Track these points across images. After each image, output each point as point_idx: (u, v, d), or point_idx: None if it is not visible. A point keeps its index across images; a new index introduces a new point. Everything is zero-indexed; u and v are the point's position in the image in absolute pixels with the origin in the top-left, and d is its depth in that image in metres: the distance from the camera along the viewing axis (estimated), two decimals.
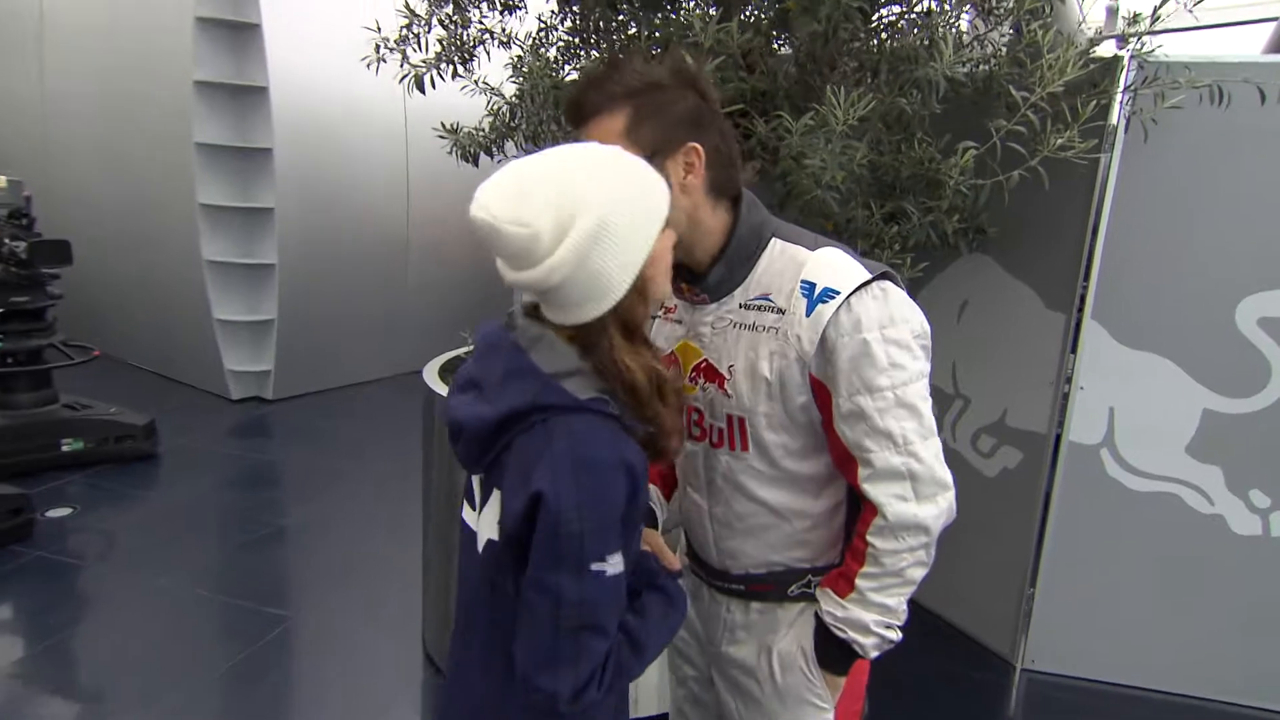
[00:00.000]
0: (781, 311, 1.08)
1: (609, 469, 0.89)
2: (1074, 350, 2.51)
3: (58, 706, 2.50)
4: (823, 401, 1.09)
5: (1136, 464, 2.56)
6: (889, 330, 1.05)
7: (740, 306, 1.12)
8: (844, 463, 1.11)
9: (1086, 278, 2.45)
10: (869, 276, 1.06)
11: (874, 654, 1.15)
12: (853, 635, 1.12)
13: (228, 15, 4.76)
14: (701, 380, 1.16)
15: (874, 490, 1.07)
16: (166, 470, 4.20)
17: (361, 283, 5.54)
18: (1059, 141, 1.80)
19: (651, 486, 1.30)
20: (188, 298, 5.15)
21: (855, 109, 1.59)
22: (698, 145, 1.05)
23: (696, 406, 1.18)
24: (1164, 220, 2.40)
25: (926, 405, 1.08)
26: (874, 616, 1.11)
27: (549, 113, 2.51)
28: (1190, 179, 2.36)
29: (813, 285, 1.07)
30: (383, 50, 2.40)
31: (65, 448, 3.97)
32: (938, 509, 1.08)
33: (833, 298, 1.05)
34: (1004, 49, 2.08)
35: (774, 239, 1.13)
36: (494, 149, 2.49)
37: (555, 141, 2.79)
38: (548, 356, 0.93)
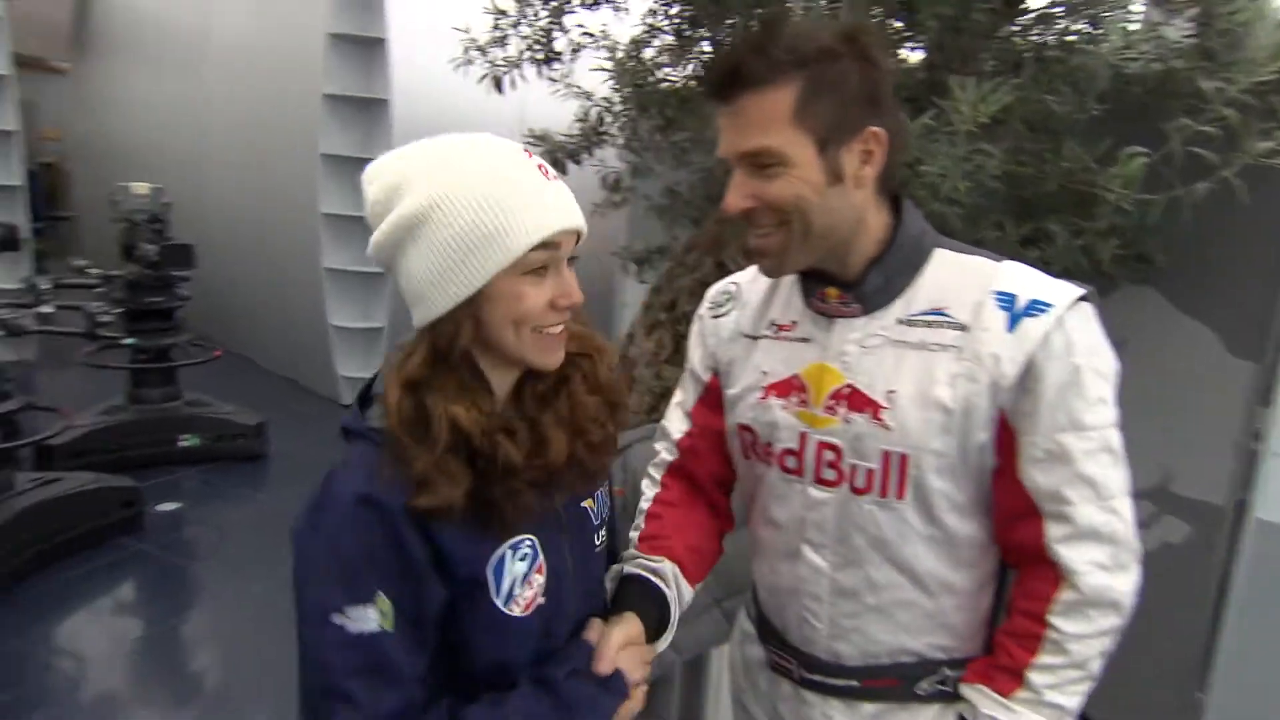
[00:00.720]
0: (964, 328, 0.88)
1: (346, 506, 0.76)
2: (1265, 406, 2.03)
3: (154, 694, 2.55)
4: (1004, 443, 0.89)
5: None
6: (1096, 359, 0.87)
7: (899, 322, 0.92)
8: (1016, 521, 0.90)
9: None
10: (1082, 293, 0.87)
11: None
12: None
13: (357, 30, 4.87)
14: (844, 410, 0.93)
15: (1069, 554, 0.86)
16: (274, 471, 4.28)
17: None
18: (1266, 145, 1.39)
19: (667, 564, 1.04)
20: (307, 303, 5.29)
21: (986, 105, 1.25)
22: (879, 129, 0.86)
23: (832, 443, 0.94)
24: None
25: (1124, 456, 0.88)
26: None
27: (647, 116, 2.31)
28: None
29: (1013, 296, 0.87)
30: (471, 52, 2.26)
31: (183, 443, 4.11)
32: (1132, 584, 0.88)
33: (1043, 312, 0.85)
34: (1185, 39, 1.68)
35: (937, 249, 0.94)
36: (581, 155, 2.30)
37: (650, 147, 2.59)
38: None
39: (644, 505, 1.15)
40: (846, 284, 0.94)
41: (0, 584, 2.88)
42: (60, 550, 3.14)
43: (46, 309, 3.44)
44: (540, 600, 0.86)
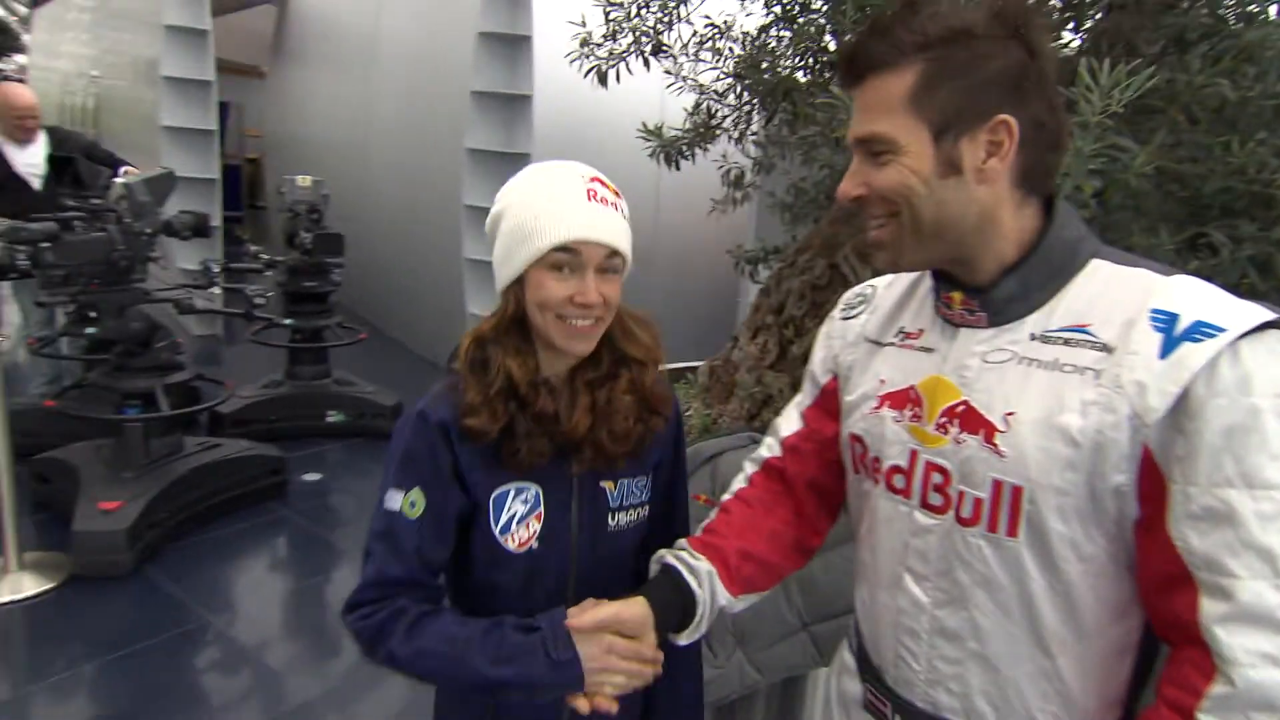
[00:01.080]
0: (1108, 349, 0.76)
1: (412, 417, 1.00)
2: None
3: (295, 648, 2.76)
4: (1150, 490, 0.74)
5: None
6: None
7: (1032, 338, 0.81)
8: (1163, 589, 0.75)
9: None
10: (1270, 318, 0.71)
11: None
12: None
13: (505, 29, 5.01)
14: (955, 429, 0.84)
15: (1227, 639, 0.69)
16: None
17: None
18: None
19: (705, 564, 1.02)
20: (448, 291, 5.54)
21: (1123, 91, 1.05)
22: (1010, 119, 0.78)
23: (940, 465, 0.85)
24: None
25: None
26: None
27: (770, 109, 2.21)
28: None
29: (1174, 316, 0.74)
30: (587, 46, 2.24)
31: (330, 418, 4.40)
32: None
33: (1210, 336, 0.71)
34: None
35: (1095, 259, 0.82)
36: (692, 150, 2.23)
37: (777, 142, 2.48)
38: None
39: (724, 497, 1.13)
40: (976, 289, 0.85)
41: (168, 535, 3.20)
42: (217, 510, 3.45)
43: (215, 290, 3.78)
44: (534, 544, 1.02)
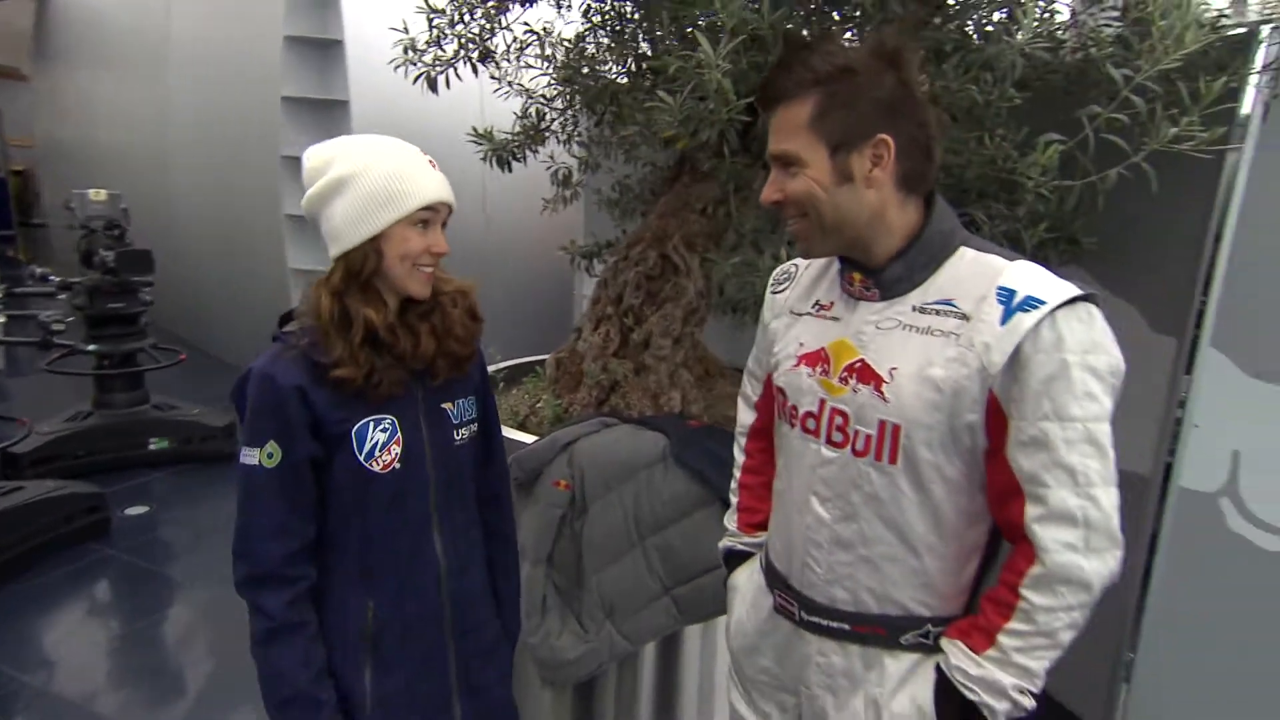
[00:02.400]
0: (965, 318, 0.96)
1: (256, 379, 1.12)
2: (1186, 374, 2.04)
3: (129, 696, 2.48)
4: (995, 426, 0.95)
5: (1266, 517, 2.06)
6: (1090, 357, 0.91)
7: (913, 309, 1.00)
8: (1003, 500, 0.97)
9: (1205, 295, 1.98)
10: (1078, 294, 0.92)
11: None
12: (985, 698, 0.96)
13: (314, 33, 4.73)
14: (854, 381, 1.03)
15: (1041, 533, 0.93)
16: None
17: None
18: (1173, 131, 1.38)
19: (763, 536, 1.26)
20: (275, 303, 5.18)
21: None
22: (888, 137, 0.95)
23: (841, 409, 1.04)
24: None
25: (1111, 449, 0.94)
26: (1012, 680, 0.95)
27: (593, 112, 2.26)
28: None
29: (1012, 292, 0.93)
30: (410, 53, 2.18)
31: (152, 446, 4.01)
32: (1106, 567, 0.93)
33: (1035, 308, 0.91)
34: (1104, 27, 1.66)
35: (964, 248, 1.01)
36: (524, 152, 2.24)
37: (599, 142, 2.54)
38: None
39: (736, 473, 1.35)
40: (871, 271, 1.02)
41: None
42: (26, 559, 3.06)
43: None
44: (396, 465, 1.18)
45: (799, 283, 1.19)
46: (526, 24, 2.25)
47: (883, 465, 1.01)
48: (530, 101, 2.25)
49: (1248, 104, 1.78)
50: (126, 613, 2.94)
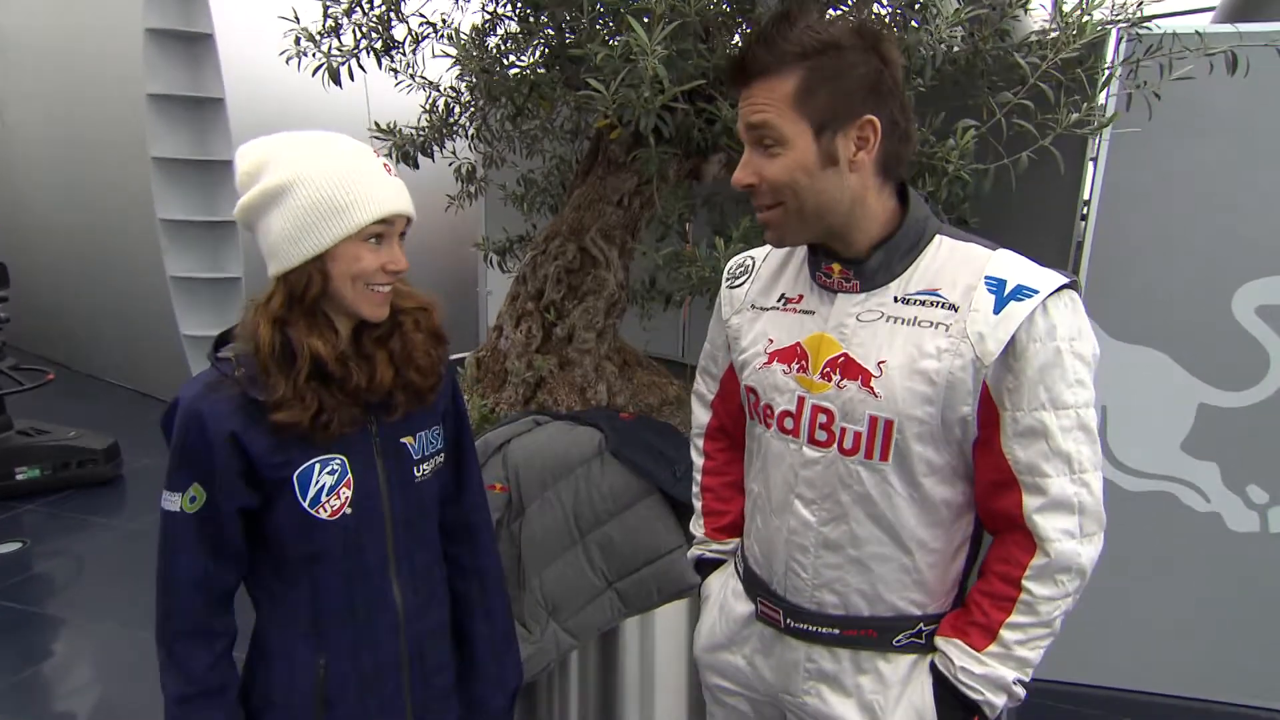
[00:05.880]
0: (954, 307, 0.87)
1: (184, 414, 0.91)
2: None
3: None
4: (987, 416, 0.88)
5: (1130, 463, 2.18)
6: (1077, 344, 0.86)
7: (896, 300, 0.91)
8: (995, 491, 0.90)
9: (1075, 268, 2.06)
10: (1066, 281, 0.86)
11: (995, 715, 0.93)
12: (988, 695, 0.90)
13: (178, 25, 4.19)
14: (838, 377, 0.93)
15: (1043, 523, 0.86)
16: (131, 493, 3.70)
17: None
18: (1074, 116, 1.38)
19: (731, 543, 1.15)
20: (155, 314, 4.61)
21: None
22: (875, 118, 0.85)
23: (825, 407, 0.93)
24: (1159, 205, 2.01)
25: (1097, 434, 0.89)
26: (1014, 674, 0.89)
27: (496, 105, 2.07)
28: (1184, 161, 1.96)
29: (1002, 281, 0.86)
30: (304, 44, 1.92)
31: (20, 476, 3.46)
32: (1096, 551, 0.89)
33: (1028, 297, 0.84)
34: (986, 18, 1.66)
35: (940, 236, 0.93)
36: (433, 148, 2.03)
37: (501, 136, 2.36)
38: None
39: (696, 476, 1.22)
40: (850, 261, 0.93)
41: None
42: None
43: None
44: (347, 510, 0.97)
45: (758, 276, 1.07)
46: (421, 14, 2.03)
47: (873, 463, 0.92)
48: (438, 95, 2.03)
49: (1102, 95, 1.84)
50: (11, 661, 2.49)
